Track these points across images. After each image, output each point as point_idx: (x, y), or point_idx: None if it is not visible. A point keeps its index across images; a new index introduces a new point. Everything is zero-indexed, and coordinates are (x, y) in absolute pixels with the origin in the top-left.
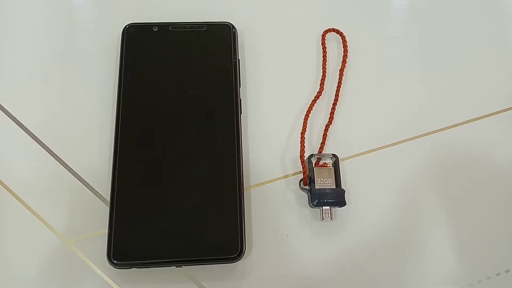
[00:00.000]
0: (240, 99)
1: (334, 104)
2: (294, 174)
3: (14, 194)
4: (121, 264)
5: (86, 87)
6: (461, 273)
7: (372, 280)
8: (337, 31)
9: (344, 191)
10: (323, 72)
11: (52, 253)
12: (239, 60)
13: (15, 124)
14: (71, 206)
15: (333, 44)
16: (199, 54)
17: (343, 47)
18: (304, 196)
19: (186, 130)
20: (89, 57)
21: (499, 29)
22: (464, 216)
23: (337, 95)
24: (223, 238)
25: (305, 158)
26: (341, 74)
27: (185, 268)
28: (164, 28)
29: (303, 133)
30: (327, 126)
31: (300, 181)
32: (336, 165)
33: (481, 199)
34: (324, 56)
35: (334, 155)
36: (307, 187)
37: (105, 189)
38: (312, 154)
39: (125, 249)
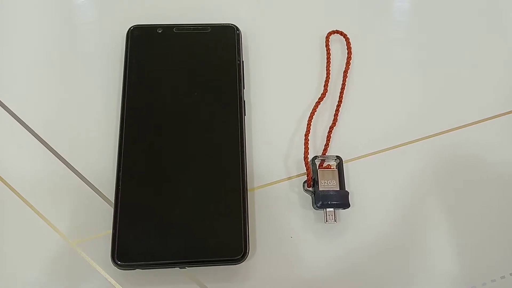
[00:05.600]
0: (244, 101)
1: (338, 106)
2: (298, 176)
3: (18, 195)
4: (125, 265)
5: (90, 88)
6: (466, 276)
7: (376, 282)
8: (341, 33)
9: (348, 193)
10: (327, 74)
11: (56, 254)
12: (243, 61)
13: (19, 124)
14: (75, 207)
15: (337, 46)
16: (203, 56)
17: (347, 49)
18: (308, 198)
19: (190, 131)
20: (94, 58)
21: (500, 32)
22: (468, 219)
23: (341, 97)
24: (226, 240)
25: (309, 160)
26: (345, 76)
27: (188, 270)
28: (168, 29)
29: (307, 134)
30: (331, 128)
31: (304, 183)
32: (340, 167)
33: (485, 202)
34: (328, 58)
35: (338, 157)
36: (311, 189)
37: (109, 190)
38: (316, 156)
39: (129, 250)
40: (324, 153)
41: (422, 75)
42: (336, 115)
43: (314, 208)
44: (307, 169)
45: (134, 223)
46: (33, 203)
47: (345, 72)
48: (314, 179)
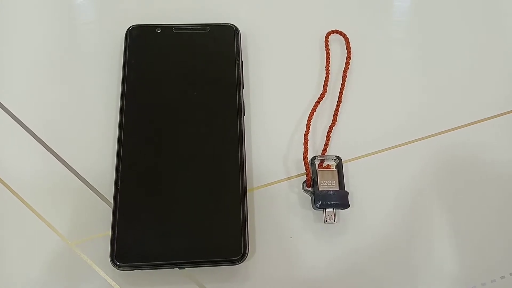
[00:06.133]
0: (243, 101)
1: (338, 105)
2: (298, 176)
3: (17, 195)
4: (124, 265)
5: (89, 89)
6: (466, 276)
7: (375, 282)
8: (340, 33)
9: (347, 193)
10: (326, 73)
11: (55, 255)
12: (242, 61)
13: (18, 125)
14: (74, 208)
15: (336, 45)
16: (202, 56)
17: (346, 49)
18: (308, 198)
19: (189, 131)
20: (93, 59)
21: (500, 32)
22: (468, 219)
23: (340, 96)
24: (226, 240)
25: (308, 160)
26: (344, 76)
27: (188, 270)
28: (168, 29)
29: (306, 134)
30: (331, 127)
31: (304, 183)
32: (339, 167)
33: (486, 202)
34: (327, 58)
35: (337, 157)
36: (310, 189)
37: (108, 191)
38: (315, 156)
39: (128, 250)
40: (323, 153)
41: (422, 75)
42: (335, 115)
43: (313, 208)
44: (306, 169)
45: (133, 224)
46: (32, 203)
47: (345, 72)
48: (313, 179)
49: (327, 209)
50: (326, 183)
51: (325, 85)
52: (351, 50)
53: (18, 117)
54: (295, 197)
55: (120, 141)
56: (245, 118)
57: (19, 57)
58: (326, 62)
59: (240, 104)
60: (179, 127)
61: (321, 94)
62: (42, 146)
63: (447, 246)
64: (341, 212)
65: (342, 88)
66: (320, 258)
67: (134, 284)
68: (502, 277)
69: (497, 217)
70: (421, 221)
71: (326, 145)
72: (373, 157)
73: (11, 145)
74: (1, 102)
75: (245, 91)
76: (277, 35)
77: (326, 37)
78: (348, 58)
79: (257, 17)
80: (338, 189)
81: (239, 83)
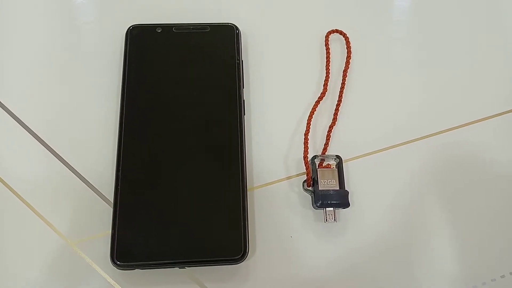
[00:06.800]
0: (244, 100)
1: (338, 105)
2: (298, 175)
3: (17, 195)
4: (125, 265)
5: (90, 88)
6: (466, 275)
7: (375, 281)
8: (341, 32)
9: (347, 192)
10: (326, 73)
11: (56, 254)
12: (242, 61)
13: (19, 125)
14: (74, 207)
15: (337, 45)
16: (202, 55)
17: (347, 48)
18: (308, 197)
19: (190, 131)
20: (93, 58)
21: (500, 32)
22: (468, 218)
23: (340, 96)
24: (226, 240)
25: (308, 159)
26: (344, 75)
27: (188, 269)
28: (168, 29)
29: (306, 134)
30: (331, 127)
31: (304, 182)
32: (339, 166)
33: (485, 201)
34: (328, 57)
35: (337, 156)
36: (310, 188)
37: (109, 190)
38: (315, 155)
39: (128, 250)
40: (323, 153)
41: (422, 74)
42: (335, 114)
43: (313, 207)
44: (306, 169)
45: (133, 223)
46: (32, 203)
47: (345, 71)
48: (313, 178)
49: (327, 209)
50: (326, 183)
51: (325, 85)
52: (351, 50)
53: (18, 117)
54: (295, 197)
55: (121, 141)
56: (245, 118)
57: (20, 57)
58: (327, 62)
59: (240, 103)
60: (179, 127)
61: (321, 93)
62: (42, 146)
63: (447, 246)
64: (341, 211)
65: (342, 88)
66: (321, 257)
67: (134, 284)
68: (503, 276)
69: (497, 217)
70: (421, 221)
71: (326, 144)
72: (373, 156)
73: (11, 145)
74: (2, 102)
75: (245, 91)
76: (277, 35)
77: (326, 37)
78: (348, 57)
79: (257, 16)
80: (338, 188)
81: (239, 82)
